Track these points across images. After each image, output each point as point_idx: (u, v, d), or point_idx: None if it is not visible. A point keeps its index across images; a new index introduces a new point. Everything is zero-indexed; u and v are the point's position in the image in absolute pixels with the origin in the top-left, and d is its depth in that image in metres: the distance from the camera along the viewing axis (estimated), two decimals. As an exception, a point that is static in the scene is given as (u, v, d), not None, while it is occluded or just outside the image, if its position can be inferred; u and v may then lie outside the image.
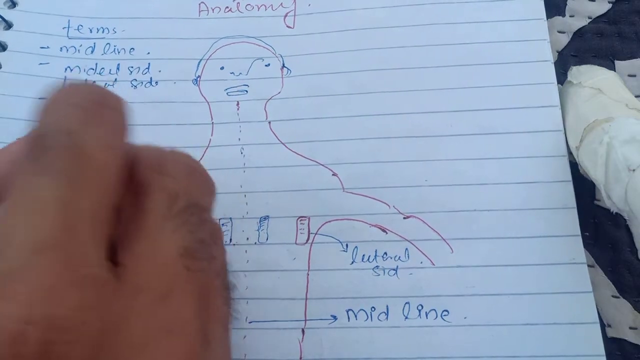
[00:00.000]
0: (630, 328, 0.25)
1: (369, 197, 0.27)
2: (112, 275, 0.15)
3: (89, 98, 0.17)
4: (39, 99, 0.29)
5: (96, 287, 0.14)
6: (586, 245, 0.25)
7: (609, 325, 0.25)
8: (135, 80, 0.30)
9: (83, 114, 0.16)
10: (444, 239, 0.26)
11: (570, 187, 0.26)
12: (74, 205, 0.14)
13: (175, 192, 0.17)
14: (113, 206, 0.16)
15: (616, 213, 0.24)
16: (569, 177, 0.26)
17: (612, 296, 0.25)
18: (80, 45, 0.31)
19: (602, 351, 0.24)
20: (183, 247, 0.16)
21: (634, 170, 0.22)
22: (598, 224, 0.26)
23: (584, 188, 0.26)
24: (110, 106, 0.17)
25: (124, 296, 0.14)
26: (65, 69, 0.30)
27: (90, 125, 0.16)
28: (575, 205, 0.26)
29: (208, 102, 0.29)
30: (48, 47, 0.31)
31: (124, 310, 0.14)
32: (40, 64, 0.30)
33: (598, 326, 0.24)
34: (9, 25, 0.31)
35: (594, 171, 0.24)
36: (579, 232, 0.25)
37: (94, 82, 0.30)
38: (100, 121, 0.16)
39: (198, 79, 0.30)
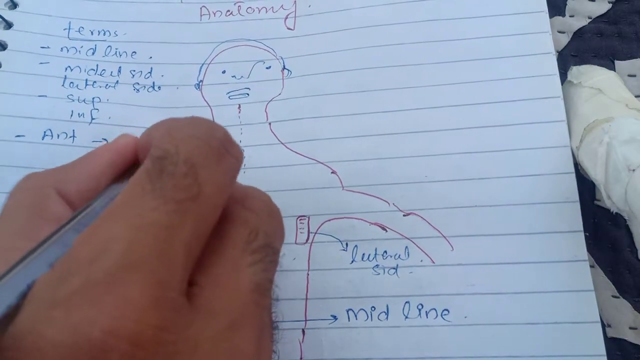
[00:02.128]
0: (630, 328, 0.25)
1: (369, 195, 0.27)
2: (187, 301, 0.15)
3: (217, 138, 0.17)
4: (38, 96, 0.29)
5: (176, 310, 0.14)
6: (586, 245, 0.25)
7: (609, 325, 0.25)
8: (138, 84, 0.30)
9: (209, 152, 0.16)
10: (444, 237, 0.26)
11: (573, 180, 0.26)
12: (176, 235, 0.15)
13: (256, 228, 0.17)
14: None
15: (616, 213, 0.24)
16: (572, 169, 0.26)
17: (612, 296, 0.25)
18: (81, 47, 0.31)
19: (603, 351, 0.23)
20: (256, 282, 0.17)
21: (634, 170, 0.22)
22: (598, 224, 0.26)
23: (584, 188, 0.26)
24: (232, 153, 0.18)
25: (198, 320, 0.15)
26: (66, 69, 0.31)
27: (213, 165, 0.16)
28: (577, 199, 0.26)
29: (210, 107, 0.30)
30: (48, 47, 0.31)
31: (197, 334, 0.15)
32: (41, 63, 0.31)
33: (599, 326, 0.24)
34: (9, 25, 0.32)
35: (594, 171, 0.24)
36: (581, 227, 0.25)
37: (94, 82, 0.30)
38: (222, 165, 0.17)
39: (200, 83, 0.30)
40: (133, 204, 0.15)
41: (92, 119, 0.29)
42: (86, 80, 0.30)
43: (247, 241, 0.17)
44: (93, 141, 0.29)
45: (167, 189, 0.15)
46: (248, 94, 0.30)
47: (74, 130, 0.29)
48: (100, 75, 0.30)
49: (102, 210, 0.16)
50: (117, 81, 0.30)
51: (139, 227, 0.14)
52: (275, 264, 0.18)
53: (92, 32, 0.32)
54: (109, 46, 0.31)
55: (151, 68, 0.31)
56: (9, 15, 0.32)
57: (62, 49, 0.31)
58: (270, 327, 0.18)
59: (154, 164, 0.16)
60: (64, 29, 0.32)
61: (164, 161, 0.16)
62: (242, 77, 0.30)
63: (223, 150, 0.17)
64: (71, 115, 0.29)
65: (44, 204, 0.18)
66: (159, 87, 0.30)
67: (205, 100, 0.30)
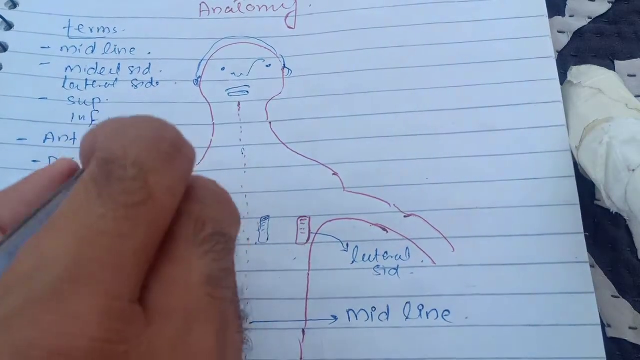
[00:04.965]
0: (630, 328, 0.25)
1: (370, 196, 0.27)
2: (140, 307, 0.14)
3: (168, 138, 0.16)
4: (39, 98, 0.29)
5: (126, 320, 0.14)
6: (586, 245, 0.25)
7: (609, 325, 0.25)
8: (136, 80, 0.30)
9: (159, 153, 0.16)
10: (445, 238, 0.26)
11: (573, 183, 0.26)
12: (125, 243, 0.14)
13: (202, 218, 0.17)
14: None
15: (616, 213, 0.24)
16: (572, 172, 0.26)
17: (612, 296, 0.25)
18: (81, 45, 0.31)
19: (603, 354, 0.24)
20: (207, 274, 0.16)
21: (633, 170, 0.22)
22: (598, 224, 0.26)
23: (584, 188, 0.26)
24: (184, 153, 0.17)
25: (152, 325, 0.14)
26: (66, 69, 0.30)
27: (163, 167, 0.15)
28: (578, 202, 0.26)
29: (209, 103, 0.29)
30: (49, 47, 0.31)
31: (151, 340, 0.14)
32: (41, 64, 0.30)
33: (599, 328, 0.24)
34: (9, 26, 0.31)
35: (594, 171, 0.24)
36: (582, 229, 0.25)
37: (94, 81, 0.30)
38: (173, 166, 0.16)
39: (199, 79, 0.30)
40: (79, 212, 0.14)
41: (93, 120, 0.29)
42: (86, 80, 0.30)
43: (194, 233, 0.16)
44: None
45: (115, 194, 0.14)
46: (248, 92, 0.29)
47: (74, 133, 0.29)
48: (100, 74, 0.30)
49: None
50: (116, 79, 0.30)
51: (85, 236, 0.14)
52: (228, 251, 0.17)
53: (91, 30, 0.31)
54: (108, 43, 0.31)
55: (149, 64, 0.30)
56: (9, 15, 0.31)
57: (62, 48, 0.31)
58: (236, 318, 0.18)
59: (101, 168, 0.15)
60: (64, 27, 0.31)
61: (111, 164, 0.15)
62: (241, 74, 0.30)
63: (174, 151, 0.16)
64: (72, 119, 0.29)
65: None
66: (157, 83, 0.30)
67: (204, 96, 0.30)
